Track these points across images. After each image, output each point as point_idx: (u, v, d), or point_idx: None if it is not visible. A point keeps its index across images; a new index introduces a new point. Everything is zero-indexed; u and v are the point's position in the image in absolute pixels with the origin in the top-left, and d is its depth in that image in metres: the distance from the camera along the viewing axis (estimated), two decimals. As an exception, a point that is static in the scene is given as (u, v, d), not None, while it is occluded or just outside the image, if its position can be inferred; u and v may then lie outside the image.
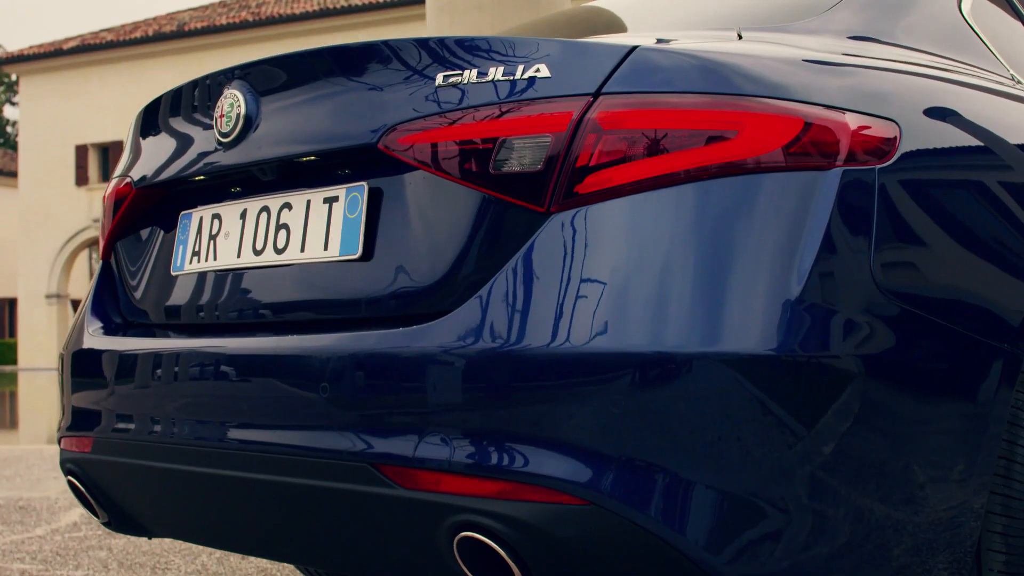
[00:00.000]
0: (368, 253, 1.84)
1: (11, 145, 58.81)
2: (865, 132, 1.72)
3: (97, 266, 2.49)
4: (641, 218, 1.63)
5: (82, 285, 50.92)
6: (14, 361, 41.49)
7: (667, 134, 1.65)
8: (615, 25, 2.46)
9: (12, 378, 35.74)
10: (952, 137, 1.87)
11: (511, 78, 1.71)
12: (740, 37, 1.93)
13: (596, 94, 1.66)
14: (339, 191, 1.89)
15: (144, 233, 2.33)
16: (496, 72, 1.72)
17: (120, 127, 37.72)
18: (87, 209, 38.08)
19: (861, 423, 1.61)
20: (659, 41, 1.90)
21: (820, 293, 1.61)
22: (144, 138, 2.31)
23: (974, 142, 1.91)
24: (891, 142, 1.74)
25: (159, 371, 2.05)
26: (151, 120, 2.30)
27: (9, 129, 61.85)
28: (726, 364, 1.55)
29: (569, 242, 1.64)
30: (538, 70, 1.70)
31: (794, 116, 1.68)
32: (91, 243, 39.52)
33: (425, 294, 1.77)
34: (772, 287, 1.59)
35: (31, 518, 4.65)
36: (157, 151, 2.24)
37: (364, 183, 1.85)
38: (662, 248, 1.60)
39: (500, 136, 1.70)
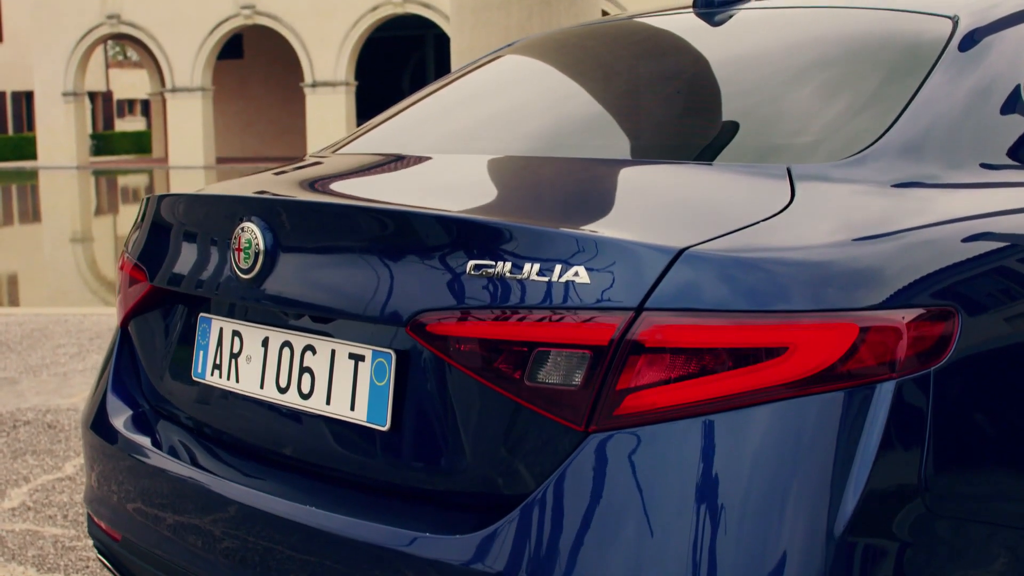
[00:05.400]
0: (396, 426, 1.77)
1: (19, -70, 57.21)
2: (921, 329, 1.61)
3: (115, 333, 2.43)
4: (686, 445, 1.55)
5: (98, 79, 50.44)
6: (33, 156, 41.55)
7: (714, 355, 1.55)
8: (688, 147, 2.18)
9: (33, 175, 35.94)
10: (1017, 307, 1.76)
11: (547, 279, 1.60)
12: (791, 181, 1.78)
13: (639, 309, 1.56)
14: (365, 350, 1.81)
15: (162, 320, 2.25)
16: (531, 270, 1.61)
17: (130, -81, 36.61)
18: (99, 5, 37.33)
19: None
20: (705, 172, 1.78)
21: (872, 526, 1.55)
22: (160, 230, 2.21)
23: None
24: (948, 334, 1.64)
25: (186, 499, 2.02)
26: (167, 215, 2.20)
27: (16, -88, 60.10)
28: None
29: (608, 468, 1.56)
30: (576, 274, 1.59)
31: (847, 323, 1.57)
32: (106, 39, 38.95)
33: (453, 479, 1.72)
34: (823, 523, 1.53)
35: (60, 445, 4.70)
36: (174, 253, 2.14)
37: (391, 351, 1.77)
38: (709, 479, 1.53)
39: (535, 343, 1.60)
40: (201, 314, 2.13)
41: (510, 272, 1.62)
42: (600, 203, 1.86)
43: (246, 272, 1.91)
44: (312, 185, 2.24)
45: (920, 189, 1.82)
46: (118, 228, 20.27)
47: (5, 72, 49.02)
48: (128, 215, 22.99)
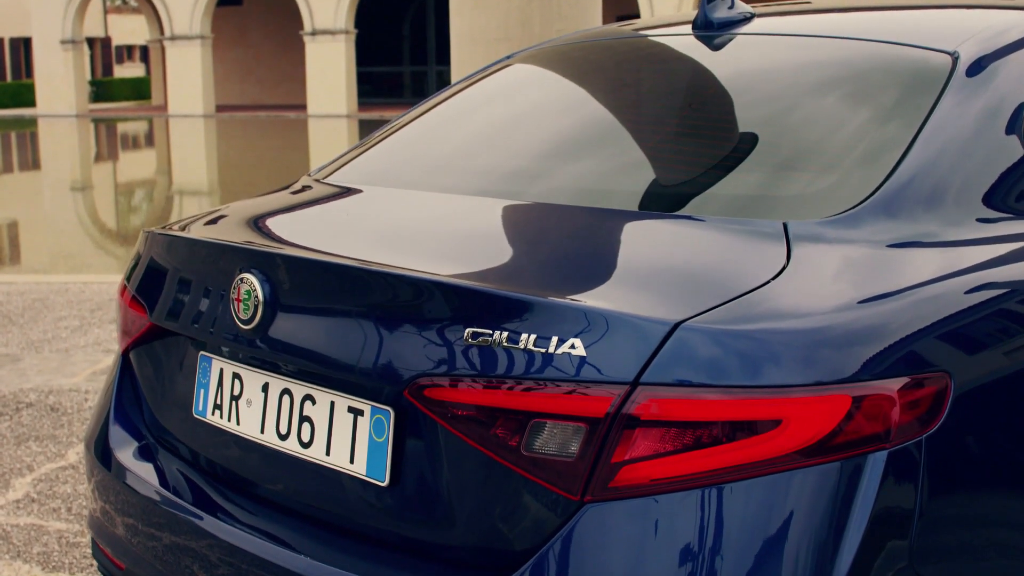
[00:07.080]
0: (394, 482, 1.80)
1: None
2: (913, 397, 1.63)
3: (116, 359, 2.45)
4: (680, 517, 1.57)
5: (97, 24, 50.07)
6: (32, 103, 41.35)
7: (708, 429, 1.57)
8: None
9: (32, 122, 35.81)
10: (1009, 372, 1.77)
11: (544, 350, 1.61)
12: (788, 241, 1.79)
13: (635, 383, 1.58)
14: (364, 405, 1.83)
15: (163, 354, 2.27)
16: (528, 340, 1.62)
17: None
18: (97, -49, 36.98)
19: None
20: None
21: None
22: (159, 268, 2.22)
23: None
24: (940, 400, 1.66)
25: (184, 536, 2.05)
26: (165, 255, 2.21)
27: None
28: None
29: (602, 538, 1.59)
30: (573, 346, 1.60)
31: (840, 395, 1.59)
32: (103, -15, 38.56)
33: (448, 539, 1.75)
34: None
35: (63, 430, 4.73)
36: (174, 293, 2.15)
37: (390, 408, 1.79)
38: (703, 551, 1.56)
39: (532, 413, 1.62)
40: (202, 352, 2.15)
41: (507, 341, 1.64)
42: (596, 266, 1.85)
43: (246, 323, 1.92)
44: (310, 230, 2.25)
45: (915, 249, 1.82)
46: (118, 177, 20.28)
47: (3, 18, 48.67)
48: (128, 164, 22.96)
